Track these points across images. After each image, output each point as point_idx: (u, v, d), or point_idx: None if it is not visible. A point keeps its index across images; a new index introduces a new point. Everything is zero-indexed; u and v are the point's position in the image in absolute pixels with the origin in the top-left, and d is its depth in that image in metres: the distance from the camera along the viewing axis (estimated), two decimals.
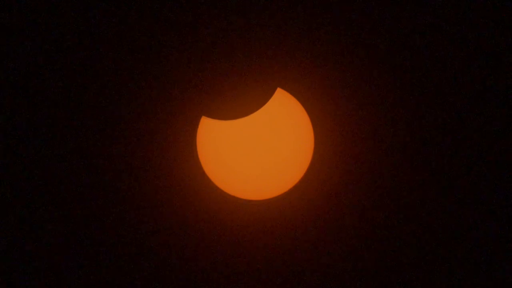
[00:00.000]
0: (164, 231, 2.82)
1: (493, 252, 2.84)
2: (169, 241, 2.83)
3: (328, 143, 2.79)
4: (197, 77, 2.75)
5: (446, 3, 2.81)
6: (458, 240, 2.83)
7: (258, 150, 2.71)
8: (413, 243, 2.83)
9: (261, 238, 2.83)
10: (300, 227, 2.83)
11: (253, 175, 2.72)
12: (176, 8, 2.78)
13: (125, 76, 2.80)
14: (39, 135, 2.82)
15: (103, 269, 2.84)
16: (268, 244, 2.84)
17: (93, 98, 2.81)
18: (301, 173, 2.75)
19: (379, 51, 2.80)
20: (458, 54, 2.82)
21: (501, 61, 2.82)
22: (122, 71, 2.80)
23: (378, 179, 2.81)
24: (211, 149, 2.73)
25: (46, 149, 2.82)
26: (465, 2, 2.81)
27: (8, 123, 2.81)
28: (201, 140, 2.74)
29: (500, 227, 2.83)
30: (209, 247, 2.83)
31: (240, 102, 2.72)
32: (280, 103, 2.74)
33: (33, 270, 2.83)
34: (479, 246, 2.84)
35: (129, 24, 2.79)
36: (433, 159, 2.82)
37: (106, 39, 2.79)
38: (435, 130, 2.82)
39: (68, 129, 2.82)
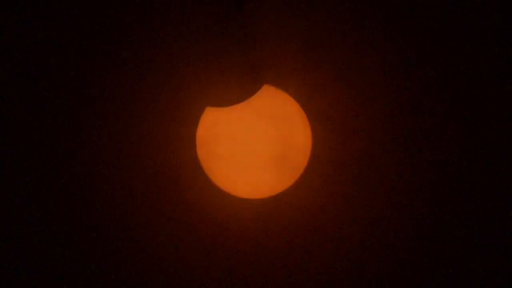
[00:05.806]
0: (161, 229, 2.83)
1: (493, 252, 2.84)
2: (167, 239, 2.84)
3: (325, 140, 2.80)
4: (199, 72, 2.76)
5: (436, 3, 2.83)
6: (459, 240, 2.83)
7: (256, 147, 2.71)
8: (412, 240, 2.83)
9: (259, 236, 2.84)
10: (298, 226, 2.83)
11: (252, 173, 2.73)
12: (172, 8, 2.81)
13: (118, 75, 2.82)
14: (37, 134, 2.83)
15: (100, 268, 2.84)
16: (266, 242, 2.84)
17: (84, 99, 2.83)
18: (299, 172, 2.76)
19: (376, 46, 2.82)
20: (452, 52, 2.83)
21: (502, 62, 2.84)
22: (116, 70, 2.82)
23: (378, 175, 2.81)
24: (210, 146, 2.73)
25: (43, 145, 2.84)
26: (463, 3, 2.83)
27: (8, 123, 2.84)
28: (200, 138, 2.75)
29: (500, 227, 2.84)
30: (206, 246, 2.84)
31: (236, 101, 2.73)
32: (274, 101, 2.75)
33: (31, 270, 2.85)
34: (479, 246, 2.84)
35: (129, 23, 2.81)
36: (433, 155, 2.83)
37: (105, 36, 2.81)
38: (435, 122, 2.83)
39: (68, 121, 2.84)
